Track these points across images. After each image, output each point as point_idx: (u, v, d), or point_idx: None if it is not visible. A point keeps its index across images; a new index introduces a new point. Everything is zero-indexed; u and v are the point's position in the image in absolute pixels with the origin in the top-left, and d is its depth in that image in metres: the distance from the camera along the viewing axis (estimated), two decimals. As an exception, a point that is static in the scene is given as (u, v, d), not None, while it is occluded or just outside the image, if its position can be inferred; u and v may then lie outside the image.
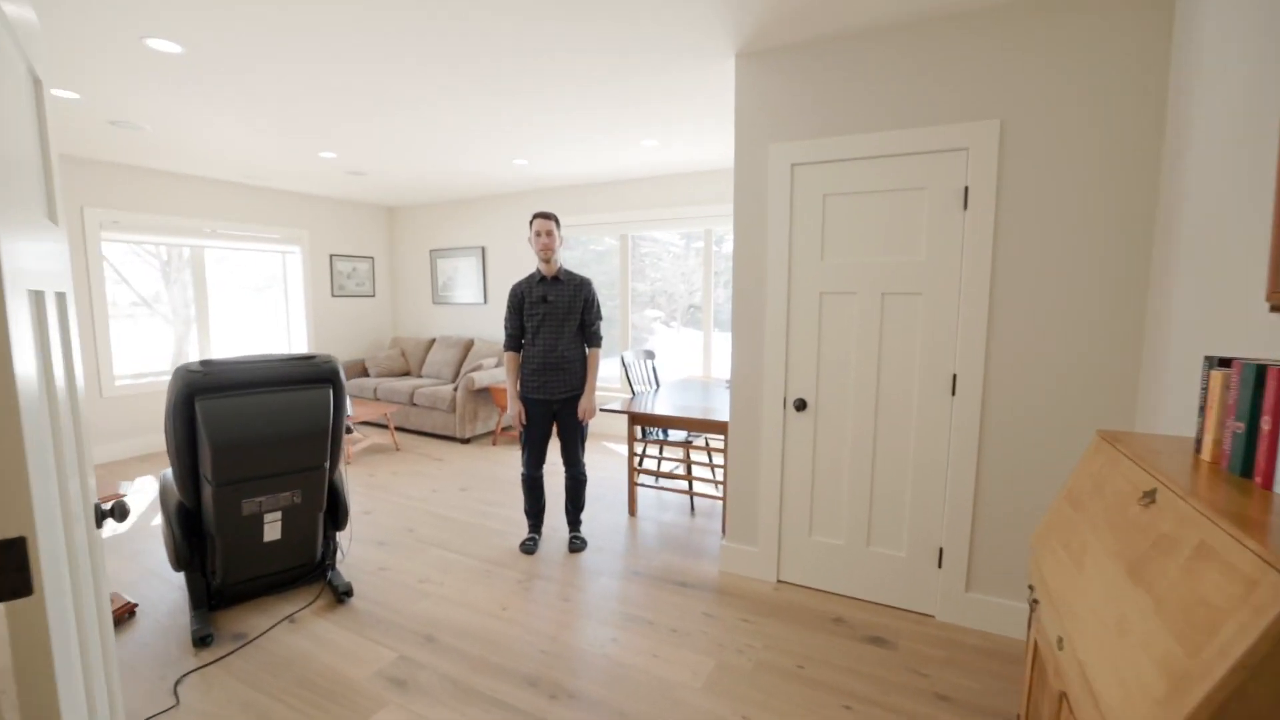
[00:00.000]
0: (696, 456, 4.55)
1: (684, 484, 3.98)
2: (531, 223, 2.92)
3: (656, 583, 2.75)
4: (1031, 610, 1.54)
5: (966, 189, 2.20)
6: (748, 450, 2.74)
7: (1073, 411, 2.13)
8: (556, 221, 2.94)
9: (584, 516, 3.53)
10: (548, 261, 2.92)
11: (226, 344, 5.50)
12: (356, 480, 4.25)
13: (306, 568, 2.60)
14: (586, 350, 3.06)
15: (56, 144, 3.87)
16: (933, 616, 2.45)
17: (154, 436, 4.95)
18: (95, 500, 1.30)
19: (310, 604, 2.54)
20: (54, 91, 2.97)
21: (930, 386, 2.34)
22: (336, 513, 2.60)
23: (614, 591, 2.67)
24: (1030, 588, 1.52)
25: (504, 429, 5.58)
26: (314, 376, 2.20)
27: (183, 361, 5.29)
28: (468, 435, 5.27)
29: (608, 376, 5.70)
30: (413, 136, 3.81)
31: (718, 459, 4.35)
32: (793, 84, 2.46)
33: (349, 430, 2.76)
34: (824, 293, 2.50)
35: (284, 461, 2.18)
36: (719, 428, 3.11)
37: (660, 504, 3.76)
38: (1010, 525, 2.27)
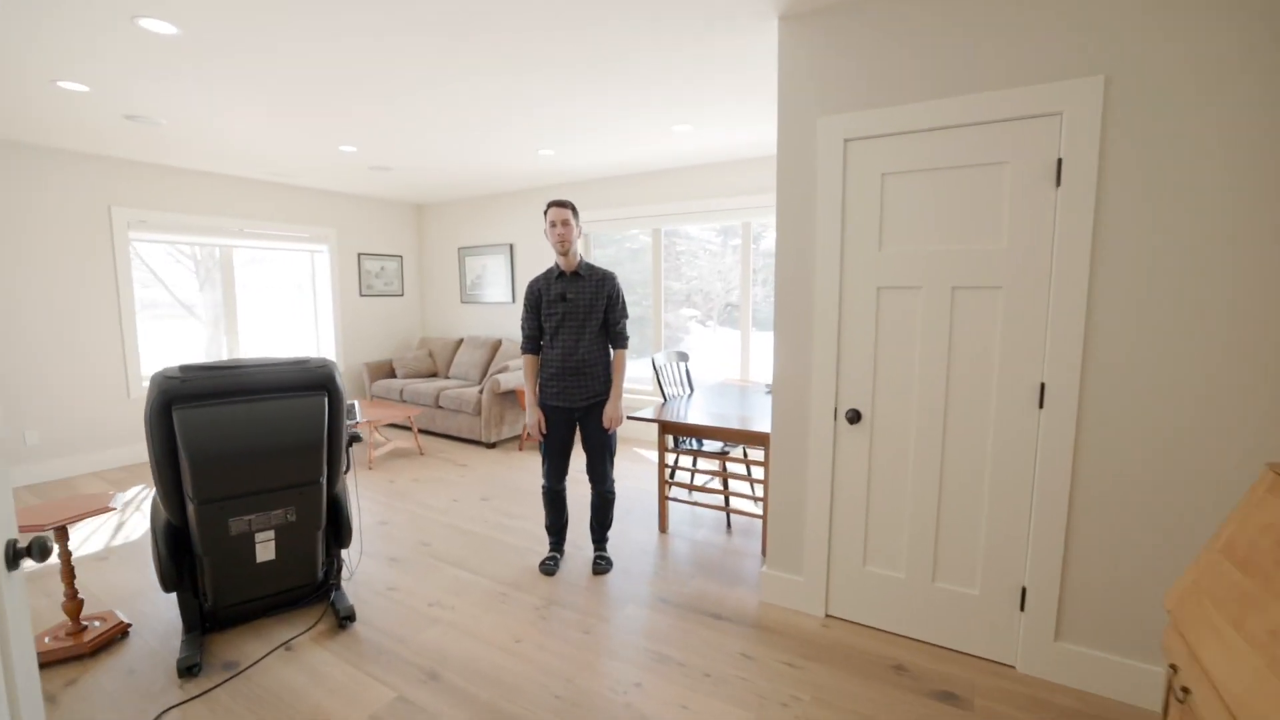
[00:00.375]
0: (734, 469, 4.23)
1: (720, 498, 3.67)
2: (546, 212, 2.66)
3: (688, 614, 2.45)
4: (1171, 693, 1.19)
5: (1060, 162, 1.83)
6: (792, 467, 2.42)
7: (1209, 434, 1.73)
8: (574, 210, 2.67)
9: (610, 534, 3.26)
10: (565, 254, 2.66)
11: (255, 345, 5.45)
12: (376, 487, 4.09)
13: (308, 588, 2.40)
14: (611, 352, 2.79)
15: (70, 139, 3.82)
16: (1013, 668, 2.08)
17: (182, 438, 4.91)
18: (11, 537, 1.09)
19: (310, 629, 2.35)
20: (61, 84, 2.87)
21: (1011, 397, 1.97)
22: (339, 530, 2.40)
23: (640, 623, 2.39)
24: (1172, 667, 1.17)
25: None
26: (306, 383, 2.00)
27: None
28: (493, 440, 5.07)
29: (639, 378, 5.43)
30: (431, 123, 3.61)
31: (757, 472, 4.02)
32: (845, 46, 2.12)
33: (357, 439, 2.56)
34: (882, 287, 2.16)
35: (274, 477, 1.98)
36: (759, 439, 2.80)
37: (694, 520, 3.46)
38: (1116, 565, 1.88)
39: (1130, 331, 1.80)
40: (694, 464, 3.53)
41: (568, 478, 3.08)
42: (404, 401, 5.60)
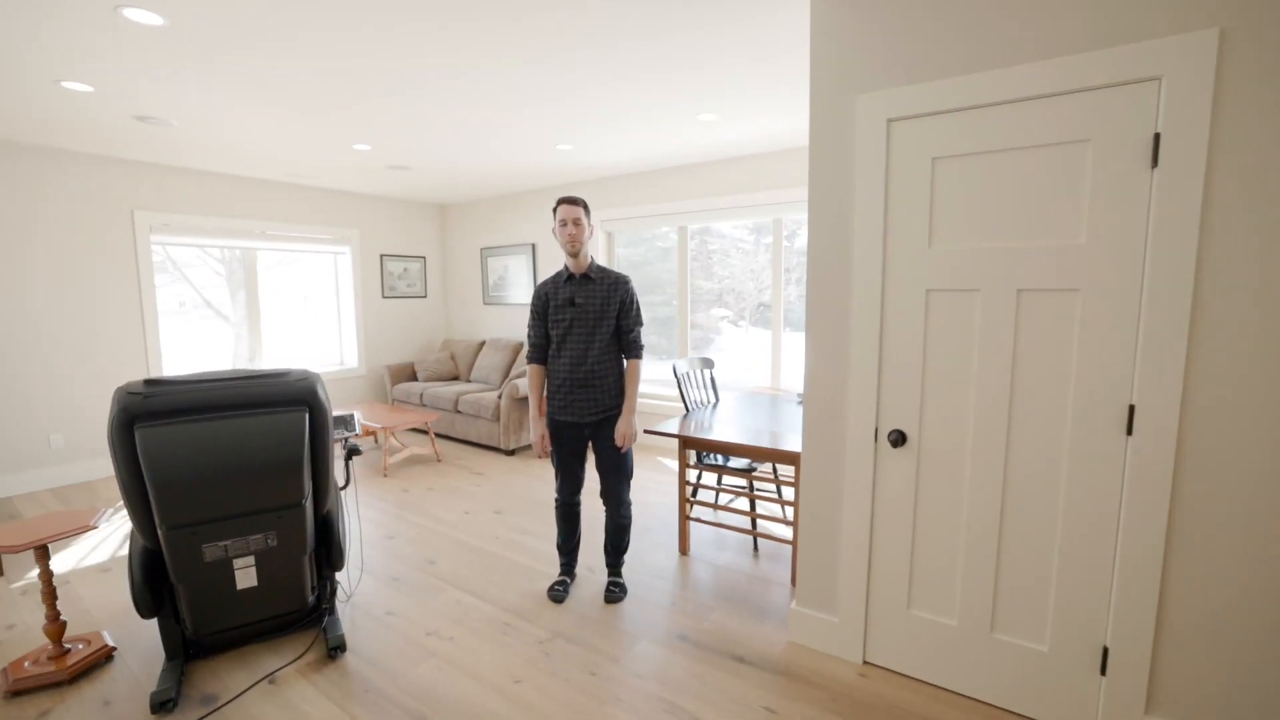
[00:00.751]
0: (763, 486, 3.94)
1: (745, 519, 3.40)
2: (555, 209, 2.44)
3: (707, 654, 2.20)
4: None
5: (1157, 138, 1.51)
6: (825, 494, 2.14)
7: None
8: (586, 208, 2.45)
9: (627, 555, 3.03)
10: (575, 256, 2.44)
11: (278, 348, 5.43)
12: (389, 496, 3.96)
13: (298, 614, 2.24)
14: (625, 362, 2.55)
15: (89, 142, 3.79)
16: (1090, 741, 1.76)
17: (205, 441, 4.90)
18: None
19: (298, 659, 2.18)
20: (65, 84, 2.80)
21: (1091, 421, 1.65)
22: (330, 553, 2.23)
23: (653, 665, 2.15)
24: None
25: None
26: (284, 398, 1.82)
27: (241, 364, 5.28)
28: (512, 447, 4.90)
29: (661, 379, 5.18)
30: (441, 116, 3.44)
31: (788, 491, 3.73)
32: (889, 10, 1.83)
33: (356, 451, 2.39)
34: (932, 290, 1.86)
35: (249, 500, 1.82)
36: (790, 458, 2.52)
37: (718, 541, 3.20)
38: (1226, 628, 1.55)
39: (1247, 346, 1.46)
40: (719, 481, 3.27)
41: (583, 490, 2.84)
42: (424, 405, 5.49)
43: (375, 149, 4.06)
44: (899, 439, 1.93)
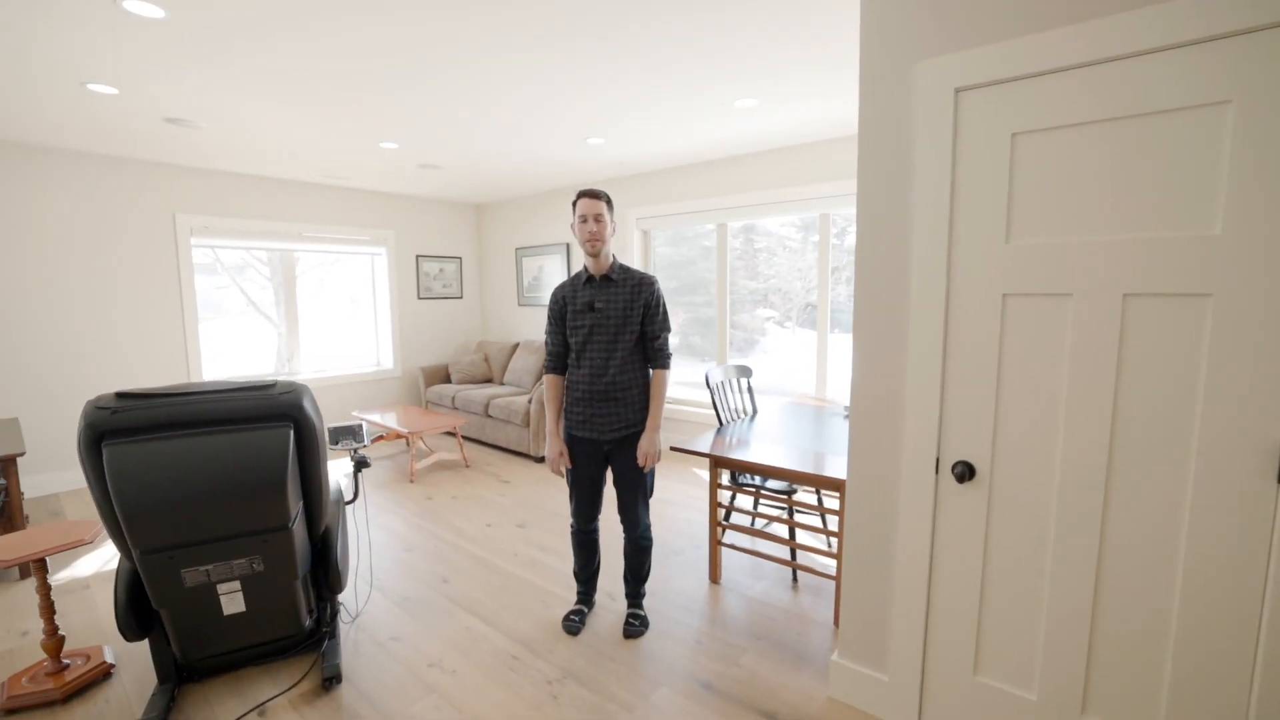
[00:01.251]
0: (805, 510, 3.61)
1: (783, 547, 3.09)
2: (575, 204, 2.22)
3: (734, 708, 1.93)
4: None
5: (1326, 95, 1.14)
6: (875, 532, 1.83)
7: None
8: (609, 202, 2.21)
9: (651, 582, 2.78)
10: (596, 256, 2.21)
11: (315, 349, 5.46)
12: (412, 504, 3.85)
13: (295, 638, 2.11)
14: (650, 373, 2.31)
15: (130, 147, 3.83)
16: None
17: (244, 441, 4.96)
18: None
19: (292, 688, 2.04)
20: (90, 86, 2.78)
21: (1225, 462, 1.30)
22: (328, 576, 2.08)
23: (672, 718, 1.89)
24: None
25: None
26: (266, 413, 1.67)
27: (282, 365, 5.34)
28: (541, 454, 4.73)
29: (697, 384, 4.90)
30: (461, 107, 3.28)
31: (834, 519, 3.39)
32: (961, -44, 1.52)
33: (364, 464, 2.24)
34: (1010, 295, 1.53)
35: (227, 523, 1.67)
36: (834, 485, 2.21)
37: (753, 568, 2.91)
38: None
39: None
40: (755, 505, 2.97)
41: (601, 516, 2.61)
42: (455, 409, 5.40)
43: (403, 147, 3.96)
44: (966, 472, 1.60)
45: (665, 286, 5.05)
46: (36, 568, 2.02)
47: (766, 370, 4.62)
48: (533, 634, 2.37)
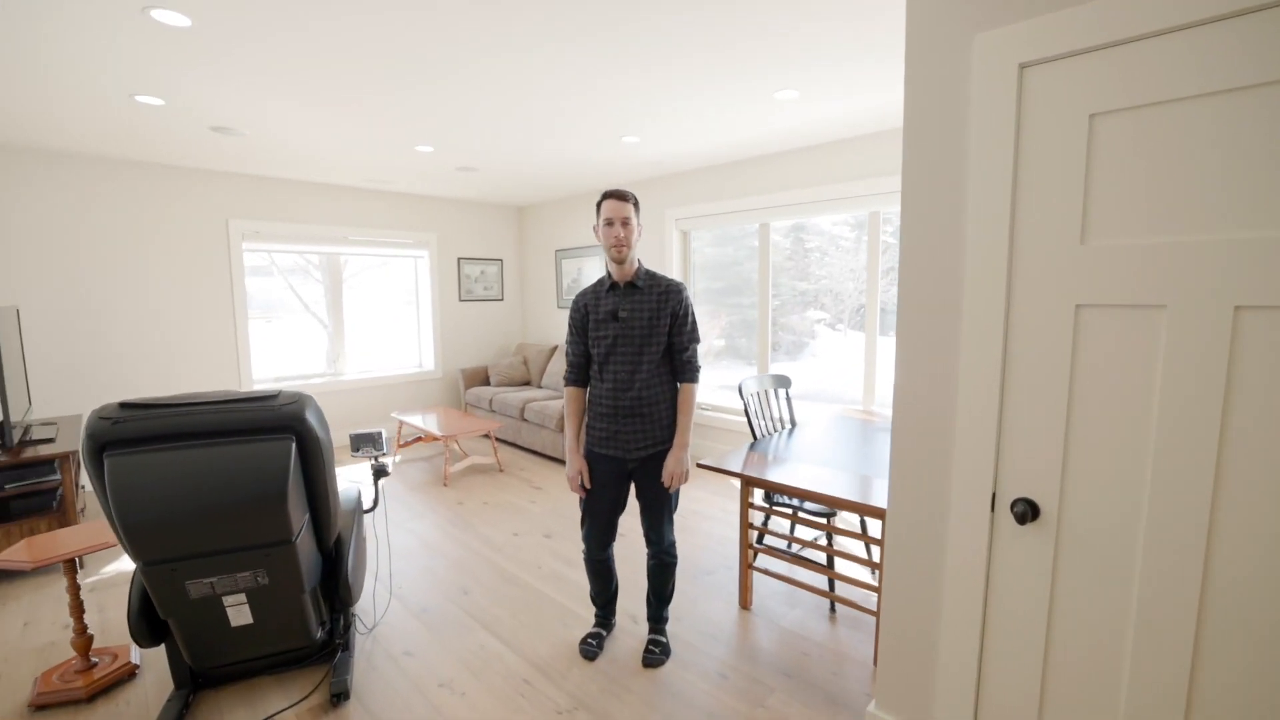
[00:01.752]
0: (845, 536, 3.37)
1: (819, 573, 2.86)
2: (599, 206, 2.08)
3: (755, 759, 1.75)
4: None
5: None
6: (918, 572, 1.61)
7: None
8: (636, 205, 2.07)
9: (676, 606, 2.62)
10: (621, 262, 2.06)
11: (360, 352, 5.57)
12: (443, 508, 3.83)
13: (306, 649, 2.07)
14: (678, 387, 2.15)
15: (184, 157, 3.98)
16: None
17: (291, 439, 5.10)
18: None
19: (301, 701, 2.01)
20: (139, 98, 2.87)
21: (1372, 519, 1.03)
22: (338, 589, 2.03)
23: (685, 765, 1.73)
24: None
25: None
26: (266, 424, 1.62)
27: (330, 366, 5.48)
28: (576, 459, 4.64)
29: (734, 387, 4.69)
30: (489, 99, 3.22)
31: (877, 548, 3.13)
32: (1028, -92, 1.29)
33: (385, 472, 2.20)
34: (1086, 305, 1.29)
35: (227, 536, 1.63)
36: (875, 512, 2.00)
37: (789, 595, 2.70)
38: None
39: None
40: (791, 529, 2.76)
41: (615, 542, 2.43)
42: (493, 411, 5.39)
43: (438, 150, 3.95)
44: (1028, 512, 1.37)
45: (709, 288, 4.87)
46: (66, 568, 2.06)
47: (816, 375, 4.37)
48: (548, 656, 2.26)
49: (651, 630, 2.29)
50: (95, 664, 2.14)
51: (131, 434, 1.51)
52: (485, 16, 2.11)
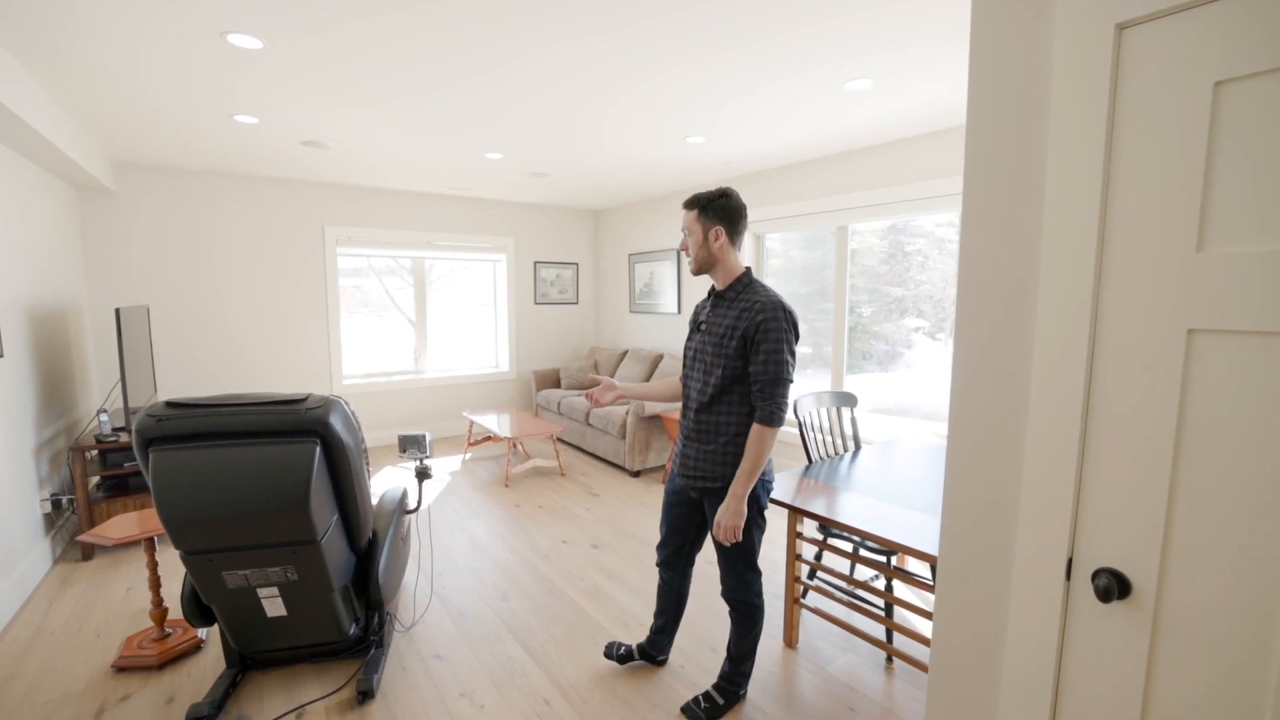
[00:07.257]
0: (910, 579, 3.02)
1: (874, 619, 2.56)
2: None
3: (775, 827, 1.56)
4: None
5: None
6: (973, 635, 1.36)
7: None
8: (702, 209, 1.83)
9: (708, 632, 2.43)
10: (696, 273, 1.90)
11: (442, 351, 5.84)
12: (500, 509, 3.88)
13: (342, 643, 2.13)
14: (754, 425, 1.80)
15: (284, 168, 4.33)
16: None
17: (372, 433, 5.44)
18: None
19: (333, 694, 2.06)
20: (237, 118, 3.14)
21: None
22: (368, 589, 2.07)
23: (695, 822, 1.58)
24: None
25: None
26: (291, 427, 1.66)
27: (414, 363, 5.80)
28: (637, 468, 4.57)
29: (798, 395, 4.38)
30: (549, 107, 3.21)
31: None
32: None
33: (427, 475, 2.24)
34: (1200, 330, 1.00)
35: (256, 532, 1.70)
36: (923, 557, 1.73)
37: (841, 637, 2.45)
38: None
39: None
40: (851, 569, 2.49)
41: (686, 565, 2.15)
42: (560, 414, 5.44)
43: (507, 157, 4.02)
44: (1113, 586, 1.09)
45: (794, 292, 4.55)
46: (146, 545, 2.26)
47: (910, 388, 4.00)
48: (572, 677, 2.18)
49: (715, 683, 2.03)
50: (169, 634, 2.33)
51: (173, 431, 1.61)
52: (531, 9, 2.07)
